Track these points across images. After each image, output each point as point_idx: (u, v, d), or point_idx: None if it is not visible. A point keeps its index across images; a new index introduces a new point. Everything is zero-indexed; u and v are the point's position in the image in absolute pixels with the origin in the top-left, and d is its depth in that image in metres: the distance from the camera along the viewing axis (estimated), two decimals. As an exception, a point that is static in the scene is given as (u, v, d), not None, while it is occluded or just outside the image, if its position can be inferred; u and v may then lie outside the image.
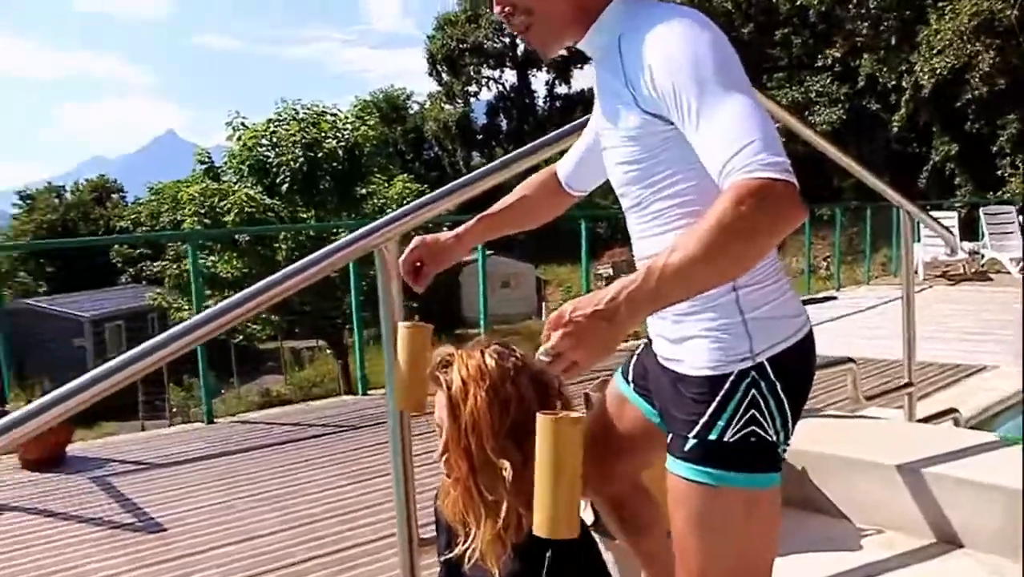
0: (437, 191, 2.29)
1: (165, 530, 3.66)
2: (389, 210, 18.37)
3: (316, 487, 4.15)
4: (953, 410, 3.88)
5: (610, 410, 1.82)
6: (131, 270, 29.23)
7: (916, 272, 12.19)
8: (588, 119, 1.85)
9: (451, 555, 1.66)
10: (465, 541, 1.63)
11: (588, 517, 2.39)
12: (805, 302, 8.84)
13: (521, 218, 1.94)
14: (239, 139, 19.63)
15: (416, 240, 1.86)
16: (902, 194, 3.61)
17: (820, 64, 21.56)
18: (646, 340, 1.68)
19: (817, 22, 20.74)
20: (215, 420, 5.81)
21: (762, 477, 1.39)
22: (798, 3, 20.68)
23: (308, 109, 20.15)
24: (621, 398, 1.78)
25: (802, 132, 3.21)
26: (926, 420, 3.59)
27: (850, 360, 3.42)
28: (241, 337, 21.61)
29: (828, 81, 21.52)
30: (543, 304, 30.86)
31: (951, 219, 12.62)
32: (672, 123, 1.33)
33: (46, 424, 1.69)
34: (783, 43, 22.16)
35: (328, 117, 20.07)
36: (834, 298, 10.57)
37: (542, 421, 1.29)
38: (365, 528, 3.49)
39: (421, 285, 1.88)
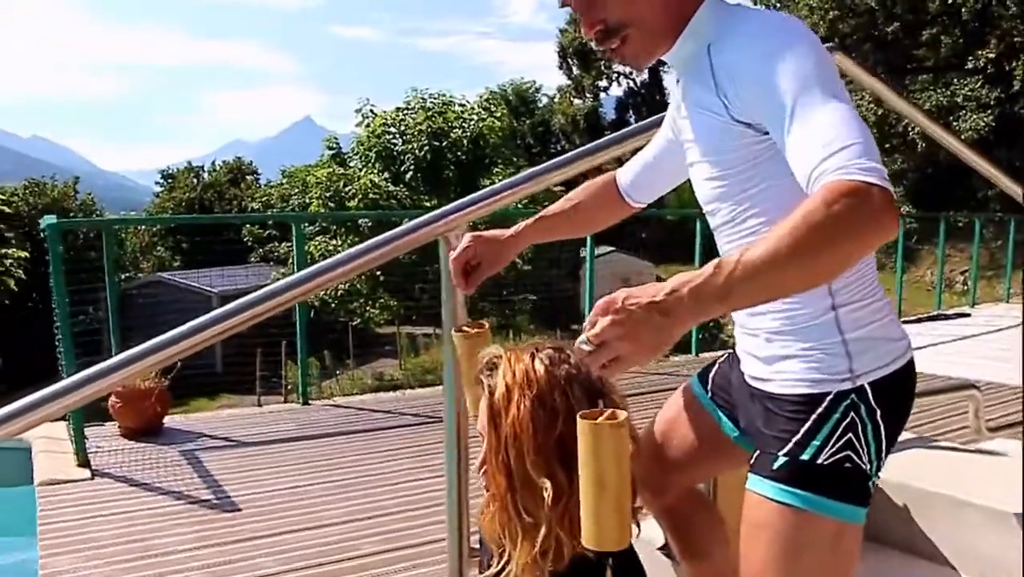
0: (510, 179, 2.13)
1: (239, 510, 3.65)
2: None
3: (394, 478, 4.06)
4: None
5: (680, 416, 1.71)
6: (260, 250, 30.32)
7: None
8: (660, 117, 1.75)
9: (485, 576, 1.51)
10: (499, 562, 1.46)
11: (659, 538, 2.21)
12: (934, 318, 8.33)
13: (576, 224, 1.86)
14: (367, 126, 20.03)
15: (469, 236, 1.75)
16: None
17: (971, 66, 20.25)
18: (730, 352, 1.58)
19: (970, 20, 19.47)
20: (310, 402, 5.84)
21: (852, 509, 1.29)
22: (949, 0, 19.49)
23: (436, 99, 20.38)
24: (695, 405, 1.68)
25: (941, 136, 2.90)
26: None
27: (973, 386, 3.08)
28: (359, 320, 22.10)
29: (978, 84, 20.19)
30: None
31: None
32: (766, 132, 1.23)
33: (98, 392, 1.60)
34: (930, 43, 20.91)
35: (455, 107, 20.25)
36: (967, 315, 9.87)
37: (582, 425, 1.15)
38: (435, 526, 3.37)
39: (471, 287, 1.77)
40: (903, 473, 2.33)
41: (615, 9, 1.34)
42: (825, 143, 1.09)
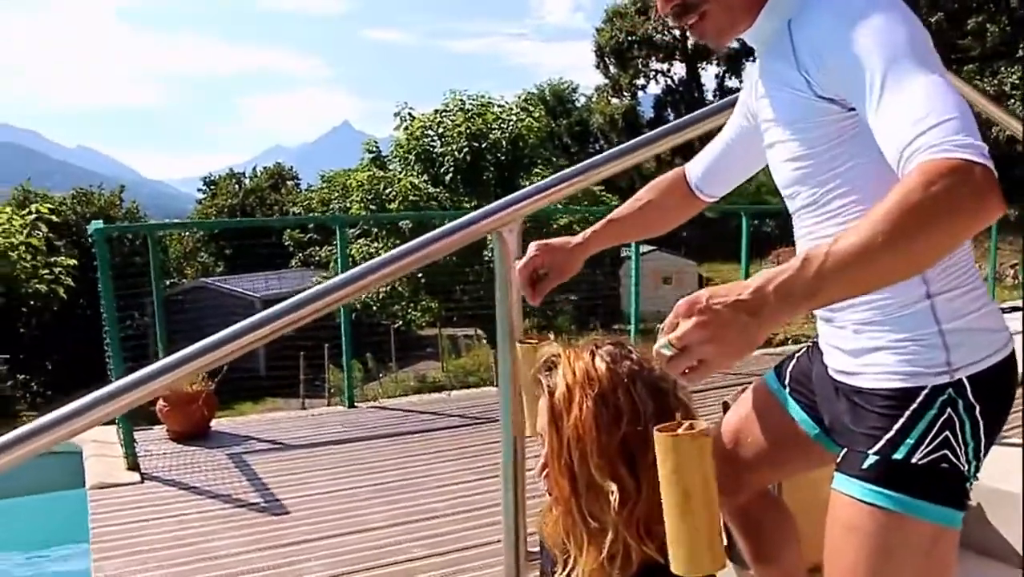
0: (563, 172, 2.07)
1: (287, 513, 3.63)
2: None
3: (441, 480, 4.02)
4: None
5: (754, 412, 1.63)
6: (301, 254, 30.57)
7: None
8: (736, 97, 1.67)
9: None
10: (563, 570, 1.40)
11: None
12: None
13: (647, 224, 1.79)
14: (406, 129, 20.09)
15: (537, 245, 1.69)
16: None
17: (1020, 54, 19.81)
18: (812, 343, 1.51)
19: (1017, 7, 19.04)
20: (356, 405, 5.82)
21: (949, 513, 1.22)
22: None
23: (474, 100, 20.38)
24: (771, 400, 1.60)
25: (1003, 119, 2.78)
26: None
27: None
28: (401, 323, 22.17)
29: (1026, 73, 19.78)
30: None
31: None
32: (851, 109, 1.16)
33: (150, 394, 1.57)
34: (976, 32, 20.49)
35: (494, 108, 20.23)
36: (1020, 309, 9.61)
37: (660, 439, 1.07)
38: (485, 529, 3.32)
39: (539, 297, 1.71)
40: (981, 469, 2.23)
41: None
42: (918, 118, 1.01)
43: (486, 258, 12.86)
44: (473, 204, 19.47)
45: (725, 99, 1.93)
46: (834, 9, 1.19)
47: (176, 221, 29.96)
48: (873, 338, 1.28)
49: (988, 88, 20.19)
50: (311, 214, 27.74)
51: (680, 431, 1.07)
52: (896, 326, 1.25)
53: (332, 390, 21.36)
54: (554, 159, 22.99)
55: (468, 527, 3.38)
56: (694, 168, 1.73)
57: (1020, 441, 2.64)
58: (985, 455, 1.28)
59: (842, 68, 1.15)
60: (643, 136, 2.14)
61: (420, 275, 19.79)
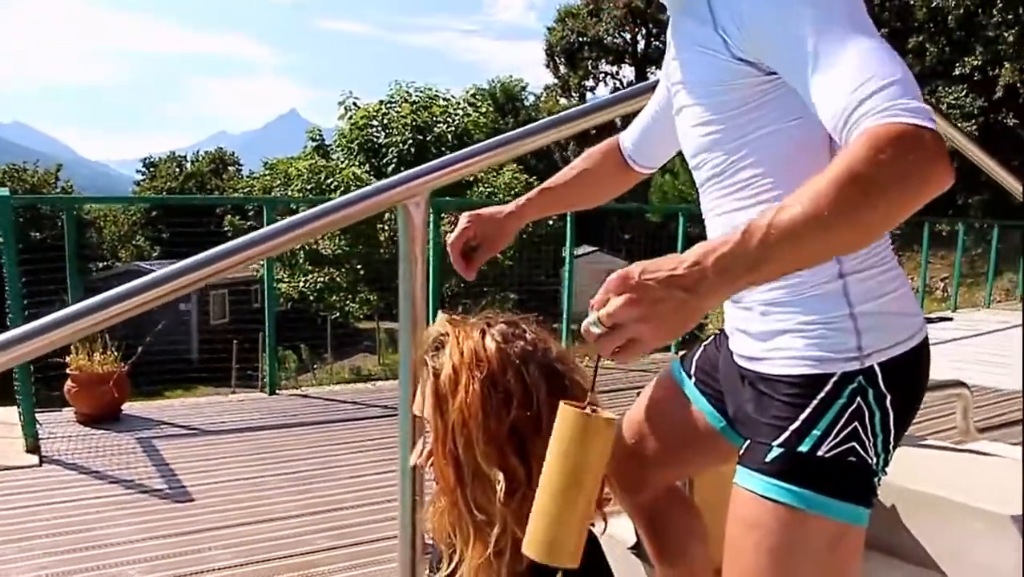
0: (477, 145, 1.96)
1: (192, 501, 3.47)
2: (496, 199, 18.38)
3: (355, 471, 3.90)
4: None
5: (659, 405, 1.54)
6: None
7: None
8: (658, 80, 1.57)
9: None
10: (449, 564, 1.30)
11: (631, 537, 2.07)
12: (917, 321, 8.24)
13: (582, 194, 1.69)
14: (350, 119, 19.87)
15: (468, 215, 1.57)
16: None
17: (957, 73, 20.26)
18: (719, 332, 1.43)
19: (955, 28, 19.45)
20: (277, 391, 5.66)
21: (855, 510, 1.12)
22: (935, 6, 19.48)
23: (421, 92, 20.24)
24: (676, 393, 1.51)
25: (949, 132, 2.75)
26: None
27: (962, 384, 2.94)
28: (338, 314, 21.90)
29: (962, 93, 20.20)
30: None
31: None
32: (771, 72, 1.09)
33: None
34: (917, 51, 20.91)
35: (440, 101, 20.11)
36: (949, 319, 9.81)
37: (567, 414, 0.97)
38: (391, 521, 3.20)
39: (472, 271, 1.60)
40: (891, 472, 2.19)
41: None
42: (860, 82, 0.92)
43: (425, 250, 12.77)
44: (416, 197, 19.37)
45: (647, 82, 1.86)
46: None
47: (97, 196, 29.28)
48: (780, 320, 1.19)
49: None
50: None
51: (590, 411, 0.98)
52: (805, 307, 1.16)
53: (264, 378, 21.03)
54: (499, 156, 22.93)
55: (376, 519, 3.27)
56: (627, 138, 1.65)
57: (934, 444, 2.62)
58: (894, 448, 1.19)
59: (767, 29, 1.06)
60: (561, 114, 2.06)
61: (359, 266, 19.59)
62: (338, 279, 19.69)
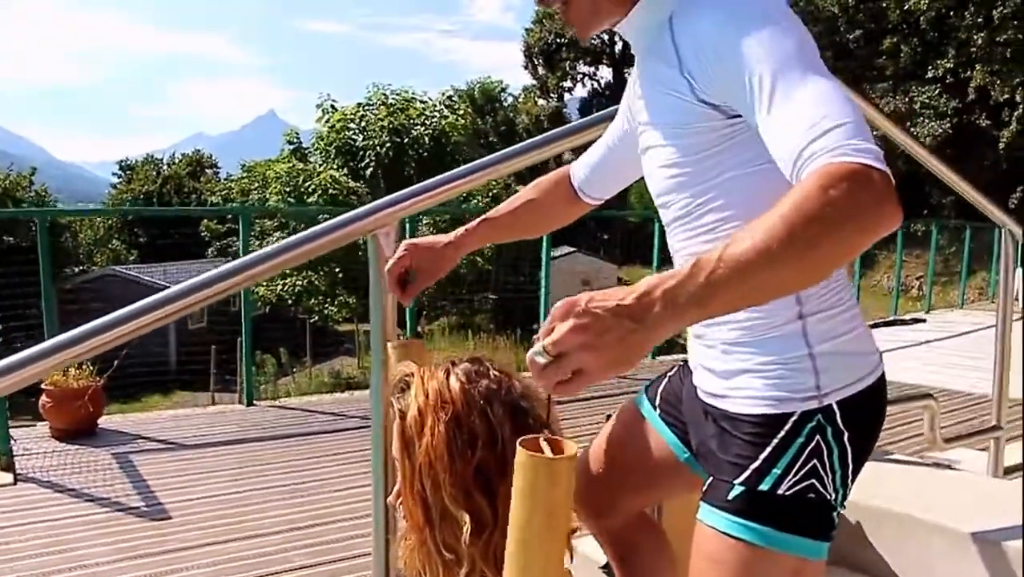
0: (447, 174, 1.98)
1: (169, 518, 3.47)
2: (474, 200, 18.39)
3: (335, 485, 3.91)
4: (1048, 459, 3.41)
5: (625, 433, 1.56)
6: (218, 244, 29.87)
7: (1017, 298, 11.41)
8: (616, 109, 1.59)
9: None
10: None
11: (601, 557, 2.09)
12: (891, 323, 8.36)
13: (526, 224, 1.69)
14: (327, 121, 19.83)
15: (406, 244, 1.59)
16: (1008, 215, 3.18)
17: (930, 75, 20.47)
18: (683, 362, 1.44)
19: (928, 30, 19.65)
20: (255, 403, 5.65)
21: (815, 545, 1.15)
22: (907, 8, 19.66)
23: (398, 95, 20.22)
24: (642, 423, 1.53)
25: (903, 141, 2.80)
26: (1016, 468, 3.16)
27: (929, 396, 3.00)
28: (317, 318, 21.83)
29: (935, 93, 20.41)
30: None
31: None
32: (735, 116, 1.11)
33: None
34: (891, 52, 21.09)
35: (417, 104, 20.10)
36: (923, 321, 9.92)
37: (523, 458, 0.97)
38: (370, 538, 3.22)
39: (409, 299, 1.62)
40: (856, 489, 2.24)
41: None
42: (812, 123, 0.95)
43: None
44: (394, 199, 19.35)
45: (609, 109, 1.88)
46: (720, 9, 1.11)
47: (73, 208, 29.22)
48: (741, 360, 1.22)
49: (900, 105, 20.86)
50: (229, 204, 27.22)
51: (547, 453, 0.99)
52: (765, 348, 1.19)
53: (243, 384, 20.91)
54: (476, 157, 22.94)
55: (355, 534, 3.29)
56: (578, 169, 1.65)
57: (900, 458, 2.68)
58: (853, 481, 1.22)
59: (729, 72, 1.08)
60: (534, 139, 2.08)
61: (338, 269, 19.54)
62: (317, 282, 19.64)
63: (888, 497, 2.20)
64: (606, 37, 38.66)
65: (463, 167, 1.98)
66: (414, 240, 1.61)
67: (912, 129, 20.67)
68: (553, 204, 1.67)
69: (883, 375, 1.25)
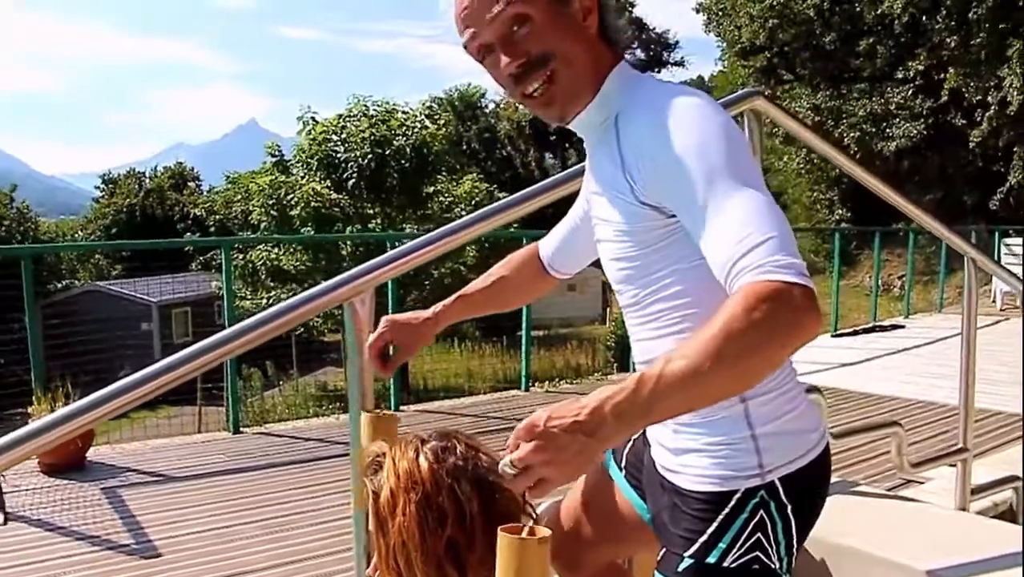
0: (421, 239, 2.06)
1: (159, 556, 3.53)
2: (457, 208, 18.42)
3: (324, 516, 3.97)
4: (1014, 478, 3.51)
5: (593, 491, 1.67)
6: (202, 258, 29.80)
7: (995, 301, 11.57)
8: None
9: None
10: None
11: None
12: (870, 330, 8.48)
13: (499, 300, 1.78)
14: (308, 134, 19.78)
15: (386, 320, 1.67)
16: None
17: (901, 76, 20.68)
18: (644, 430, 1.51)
19: (902, 32, 19.85)
20: (241, 430, 5.71)
21: None
22: (880, 12, 19.85)
23: (379, 106, 20.18)
24: (609, 482, 1.64)
25: (851, 170, 2.91)
26: (982, 489, 3.26)
27: (896, 424, 3.09)
28: (303, 330, 21.79)
29: (910, 94, 20.61)
30: (608, 309, 30.61)
31: (1036, 247, 11.95)
32: (674, 216, 1.17)
33: (55, 440, 1.59)
34: (867, 53, 21.28)
35: (399, 115, 20.07)
36: (902, 327, 10.06)
37: (505, 541, 1.06)
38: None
39: (389, 372, 1.70)
40: (822, 524, 2.31)
41: (541, 37, 1.21)
42: (740, 238, 1.04)
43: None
44: (376, 210, 19.33)
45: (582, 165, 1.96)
46: (657, 116, 1.17)
47: (53, 244, 29.48)
48: (689, 439, 1.30)
49: (876, 107, 21.03)
50: (213, 217, 27.15)
51: (524, 534, 1.09)
52: (710, 429, 1.28)
53: (229, 413, 20.82)
54: (459, 166, 22.96)
55: (344, 568, 3.34)
56: (546, 246, 1.73)
57: (866, 490, 2.77)
58: (798, 549, 1.31)
59: (664, 179, 1.16)
60: (506, 200, 2.16)
61: (320, 278, 19.54)
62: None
63: (850, 533, 2.29)
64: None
65: (430, 235, 2.05)
66: (394, 316, 1.69)
67: (888, 129, 20.85)
68: (524, 280, 1.76)
69: (826, 447, 1.35)
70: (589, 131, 1.33)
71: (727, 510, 1.25)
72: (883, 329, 9.76)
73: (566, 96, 1.26)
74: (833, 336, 9.36)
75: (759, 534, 1.24)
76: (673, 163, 1.13)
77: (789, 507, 1.26)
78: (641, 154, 1.19)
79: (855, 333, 9.55)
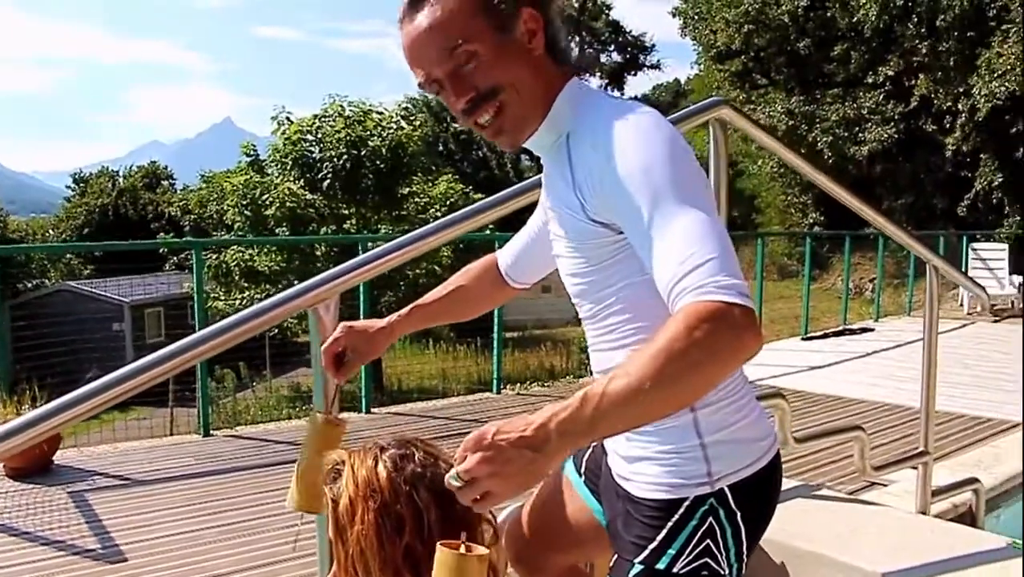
0: (386, 245, 2.07)
1: (125, 561, 3.51)
2: (432, 209, 18.42)
3: (292, 520, 3.93)
4: (973, 480, 3.58)
5: (554, 496, 1.69)
6: (175, 258, 29.55)
7: (962, 305, 11.73)
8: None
9: None
10: None
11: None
12: (840, 333, 8.56)
13: (457, 310, 1.79)
14: (283, 134, 19.69)
15: (342, 327, 1.68)
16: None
17: (871, 81, 20.91)
18: None
19: (874, 38, 20.07)
20: (212, 433, 5.68)
21: None
22: (855, 19, 20.05)
23: (355, 106, 20.13)
24: (569, 488, 1.67)
25: (816, 178, 2.96)
26: (943, 491, 3.31)
27: (859, 428, 3.14)
28: (276, 331, 21.67)
29: (881, 98, 20.84)
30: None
31: (1002, 252, 12.14)
32: (622, 232, 1.20)
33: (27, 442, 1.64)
34: (841, 59, 21.49)
35: (374, 115, 20.02)
36: (871, 330, 10.17)
37: (442, 557, 1.10)
38: (328, 576, 3.30)
39: (343, 377, 1.71)
40: (781, 525, 2.36)
41: (487, 71, 1.23)
42: (682, 259, 1.07)
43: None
44: (352, 211, 19.27)
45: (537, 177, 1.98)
46: (605, 136, 1.19)
47: (24, 245, 29.25)
48: (641, 447, 1.33)
49: (849, 112, 21.24)
50: (187, 216, 26.95)
51: (461, 549, 1.11)
52: (661, 438, 1.30)
53: (199, 415, 20.64)
54: (435, 167, 22.95)
55: (312, 572, 3.35)
56: (504, 256, 1.75)
57: (828, 494, 2.81)
58: (749, 555, 1.34)
59: (611, 198, 1.18)
60: (477, 204, 2.19)
61: (296, 282, 19.46)
62: (272, 295, 19.49)
63: (810, 536, 2.34)
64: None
65: (394, 241, 2.07)
66: (351, 323, 1.70)
67: (860, 134, 21.06)
68: (482, 290, 1.78)
69: (776, 455, 1.37)
70: (542, 151, 1.36)
71: (676, 517, 1.28)
72: (852, 332, 9.87)
73: (515, 123, 1.29)
74: (803, 339, 9.47)
75: (708, 541, 1.27)
76: (619, 182, 1.16)
77: (739, 514, 1.29)
78: (590, 173, 1.21)
79: (825, 336, 9.66)
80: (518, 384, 7.75)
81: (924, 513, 3.03)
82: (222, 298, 18.94)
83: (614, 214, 1.20)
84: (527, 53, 1.26)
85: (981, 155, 19.13)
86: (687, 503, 1.28)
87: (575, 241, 1.30)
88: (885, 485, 4.02)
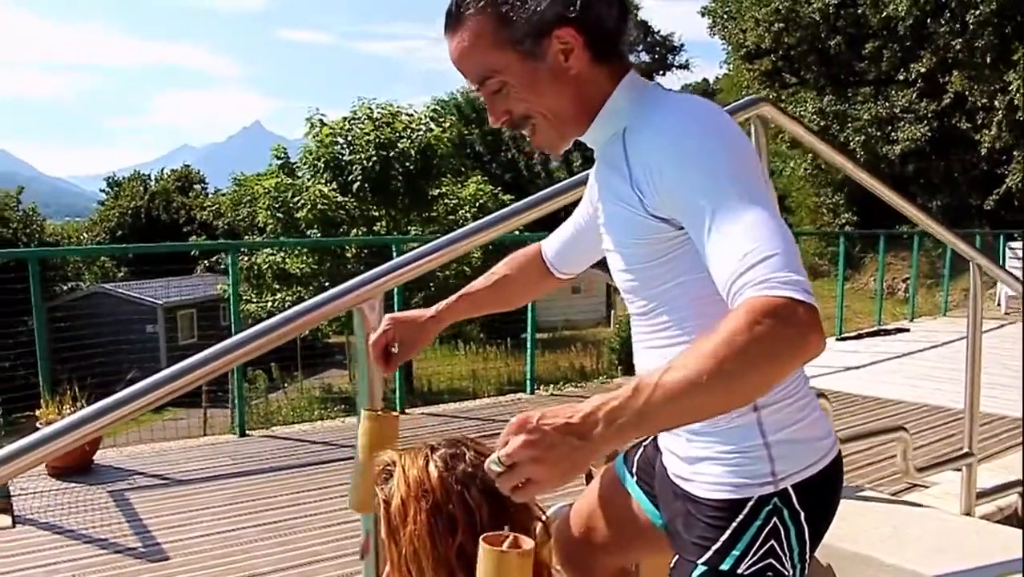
0: (429, 244, 2.08)
1: (167, 559, 3.54)
2: (462, 211, 18.46)
3: (330, 520, 3.98)
4: (1019, 483, 3.53)
5: (604, 496, 1.67)
6: (206, 261, 29.83)
7: (999, 305, 11.56)
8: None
9: None
10: None
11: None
12: (874, 334, 8.45)
13: (502, 299, 1.79)
14: (315, 136, 19.83)
15: (389, 318, 1.69)
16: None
17: (902, 78, 20.66)
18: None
19: (907, 35, 19.83)
20: (248, 433, 5.73)
21: None
22: (885, 15, 19.83)
23: (383, 109, 20.22)
24: (620, 488, 1.64)
25: (856, 175, 2.92)
26: (987, 493, 3.27)
27: (902, 429, 3.11)
28: (307, 332, 21.82)
29: (915, 96, 20.58)
30: (612, 312, 30.63)
31: (1040, 250, 11.95)
32: (682, 227, 1.17)
33: (71, 444, 1.62)
34: (872, 56, 21.25)
35: (403, 117, 20.10)
36: (906, 330, 10.05)
37: (485, 552, 1.08)
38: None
39: (391, 370, 1.72)
40: (829, 530, 2.33)
41: (518, 103, 1.27)
42: (744, 253, 1.04)
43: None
44: (382, 212, 19.36)
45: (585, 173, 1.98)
46: (667, 131, 1.18)
47: (59, 248, 29.78)
48: (702, 448, 1.31)
49: (881, 111, 21.00)
50: (220, 220, 27.20)
51: (506, 547, 1.10)
52: (723, 437, 1.28)
53: (235, 415, 20.81)
54: (464, 168, 22.97)
55: (352, 571, 3.36)
56: (549, 246, 1.74)
57: (872, 496, 2.78)
58: (812, 554, 1.32)
59: (672, 193, 1.16)
60: (512, 207, 2.19)
61: (327, 284, 19.55)
62: (306, 297, 19.61)
63: (856, 538, 2.31)
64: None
65: (438, 240, 2.07)
66: (396, 314, 1.70)
67: (893, 133, 20.82)
68: (527, 280, 1.77)
69: (838, 454, 1.35)
70: (596, 145, 1.35)
71: (741, 517, 1.26)
72: (887, 333, 9.75)
73: (551, 141, 1.32)
74: (838, 340, 9.36)
75: (772, 541, 1.25)
76: (681, 177, 1.14)
77: (802, 514, 1.27)
78: (650, 168, 1.19)
79: (860, 337, 9.55)
80: (551, 385, 7.74)
81: (968, 515, 2.99)
82: (254, 300, 19.12)
83: (675, 209, 1.18)
84: (563, 74, 1.25)
85: (1015, 151, 18.83)
86: (751, 503, 1.25)
87: (629, 236, 1.28)
88: (927, 487, 3.96)
